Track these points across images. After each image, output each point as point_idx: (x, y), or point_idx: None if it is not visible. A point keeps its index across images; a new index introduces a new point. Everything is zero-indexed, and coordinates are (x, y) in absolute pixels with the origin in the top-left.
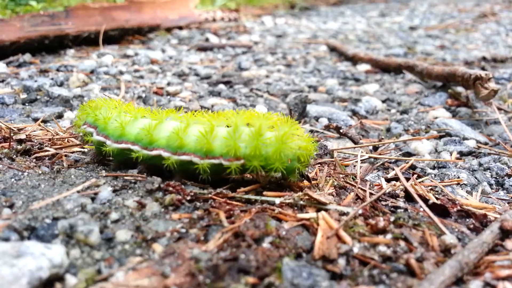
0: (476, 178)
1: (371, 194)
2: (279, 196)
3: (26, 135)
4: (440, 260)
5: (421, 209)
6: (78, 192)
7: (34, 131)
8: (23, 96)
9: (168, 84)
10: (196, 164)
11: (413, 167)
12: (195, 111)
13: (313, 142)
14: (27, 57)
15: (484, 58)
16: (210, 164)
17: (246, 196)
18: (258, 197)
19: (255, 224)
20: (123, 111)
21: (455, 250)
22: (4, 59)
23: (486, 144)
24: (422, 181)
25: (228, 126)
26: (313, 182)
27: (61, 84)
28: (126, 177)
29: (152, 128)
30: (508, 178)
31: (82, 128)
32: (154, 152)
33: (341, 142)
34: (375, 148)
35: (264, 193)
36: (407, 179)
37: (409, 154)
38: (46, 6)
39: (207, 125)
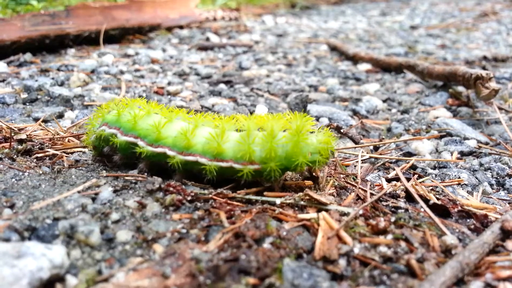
0: (476, 178)
1: (371, 194)
2: (280, 197)
3: (27, 135)
4: (441, 260)
5: (422, 210)
6: (78, 192)
7: (35, 131)
8: (24, 95)
9: (169, 83)
10: (203, 165)
11: (413, 167)
12: (199, 111)
13: (331, 137)
14: (27, 56)
15: (485, 58)
16: (218, 166)
17: (247, 197)
18: (258, 198)
19: (255, 225)
20: (137, 105)
21: (456, 250)
22: (5, 59)
23: (487, 144)
24: (423, 181)
25: (237, 130)
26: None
27: (61, 84)
28: (126, 177)
29: (161, 126)
30: (509, 178)
31: (99, 130)
32: (159, 150)
33: (342, 142)
34: (376, 148)
35: (265, 193)
36: (408, 179)
37: (409, 154)
38: (46, 5)
39: (217, 128)
